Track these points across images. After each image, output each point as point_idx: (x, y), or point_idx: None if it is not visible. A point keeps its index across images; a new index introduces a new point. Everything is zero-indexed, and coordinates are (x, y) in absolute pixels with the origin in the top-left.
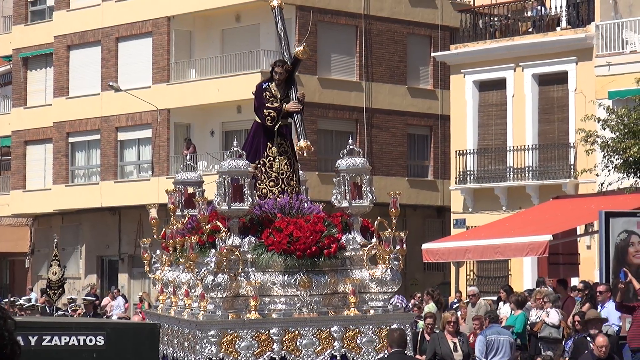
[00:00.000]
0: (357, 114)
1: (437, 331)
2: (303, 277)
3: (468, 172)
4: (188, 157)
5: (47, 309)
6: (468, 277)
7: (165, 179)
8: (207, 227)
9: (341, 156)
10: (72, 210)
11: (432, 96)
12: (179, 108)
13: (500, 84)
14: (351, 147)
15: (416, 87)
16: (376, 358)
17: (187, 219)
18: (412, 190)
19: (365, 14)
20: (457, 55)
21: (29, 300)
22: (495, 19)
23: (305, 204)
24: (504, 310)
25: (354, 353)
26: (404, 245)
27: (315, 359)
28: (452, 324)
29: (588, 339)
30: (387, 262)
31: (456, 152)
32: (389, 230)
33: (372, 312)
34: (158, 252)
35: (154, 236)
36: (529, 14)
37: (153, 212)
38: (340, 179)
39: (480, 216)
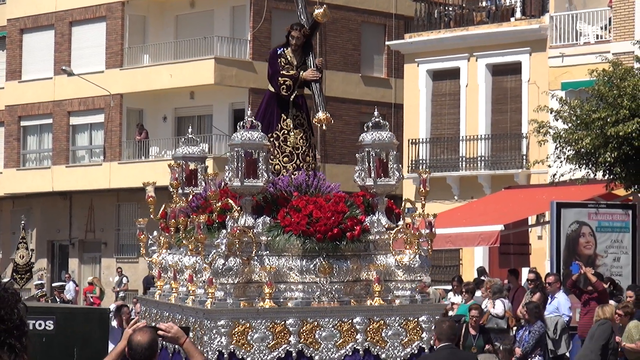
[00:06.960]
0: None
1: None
2: (323, 262)
3: (420, 161)
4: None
5: None
6: None
7: (117, 164)
8: (217, 205)
9: (365, 129)
10: (23, 194)
11: (386, 85)
12: (131, 93)
13: (454, 73)
14: (377, 119)
15: (370, 75)
16: (423, 354)
17: (191, 197)
18: None
19: (320, 1)
20: (411, 44)
21: None
22: (450, 9)
23: (324, 182)
24: (455, 300)
25: (378, 347)
26: (434, 229)
27: (336, 353)
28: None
29: None
30: (415, 247)
31: (409, 140)
32: (418, 212)
33: (398, 302)
34: (155, 233)
35: (151, 216)
36: (484, 4)
37: (150, 190)
38: (364, 155)
39: (432, 205)
